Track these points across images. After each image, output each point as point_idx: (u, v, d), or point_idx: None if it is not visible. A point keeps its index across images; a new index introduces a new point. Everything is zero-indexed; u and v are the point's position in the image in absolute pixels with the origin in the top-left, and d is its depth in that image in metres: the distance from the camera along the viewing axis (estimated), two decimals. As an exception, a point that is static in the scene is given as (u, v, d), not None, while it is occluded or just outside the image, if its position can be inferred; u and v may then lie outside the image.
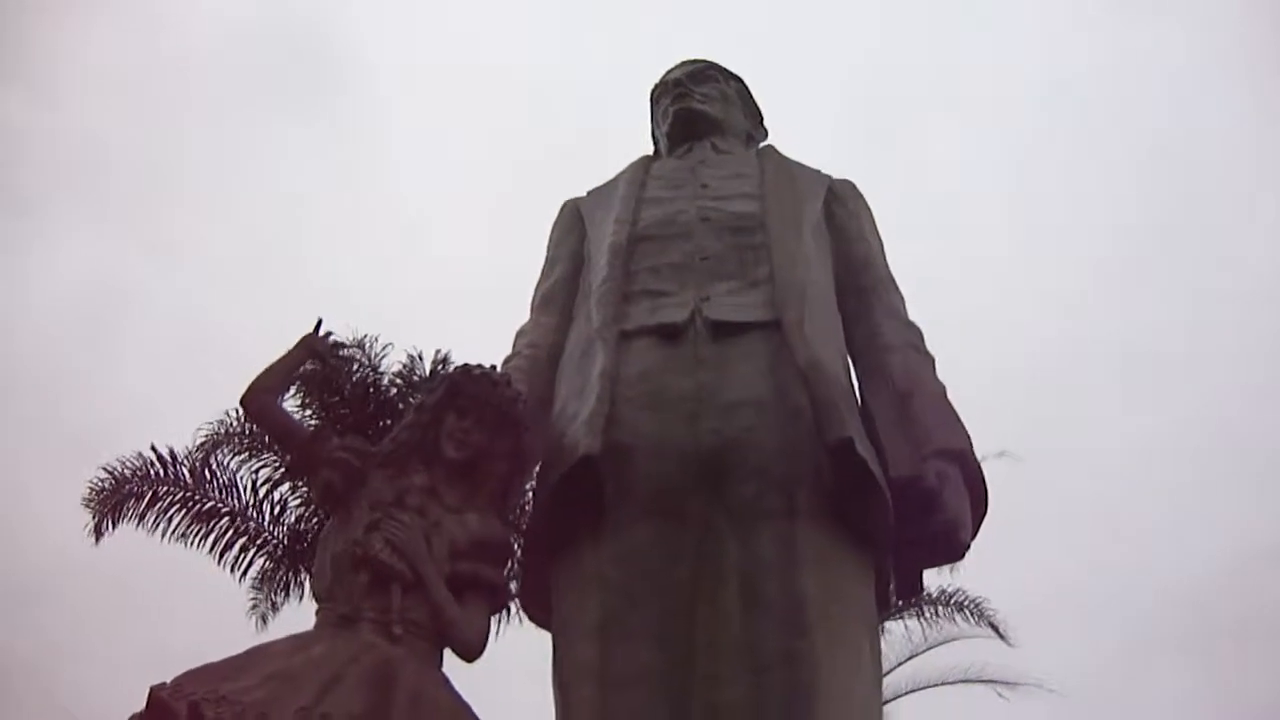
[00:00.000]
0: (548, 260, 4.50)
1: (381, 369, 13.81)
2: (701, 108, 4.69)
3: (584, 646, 3.24)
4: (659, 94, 4.93)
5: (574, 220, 4.51)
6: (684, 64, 4.99)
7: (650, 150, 4.90)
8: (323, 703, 2.73)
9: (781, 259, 3.81)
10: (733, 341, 3.59)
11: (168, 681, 2.91)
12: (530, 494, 4.33)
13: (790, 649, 3.04)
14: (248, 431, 13.57)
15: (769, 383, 3.48)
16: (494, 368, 3.79)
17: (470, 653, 3.37)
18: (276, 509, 14.23)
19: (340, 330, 14.14)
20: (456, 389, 3.61)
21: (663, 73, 5.03)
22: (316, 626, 3.26)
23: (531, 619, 3.86)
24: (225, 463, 13.94)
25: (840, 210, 4.31)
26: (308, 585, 14.74)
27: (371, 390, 13.55)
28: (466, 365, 3.72)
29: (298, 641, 3.14)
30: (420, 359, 13.92)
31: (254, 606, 14.57)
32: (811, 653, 3.04)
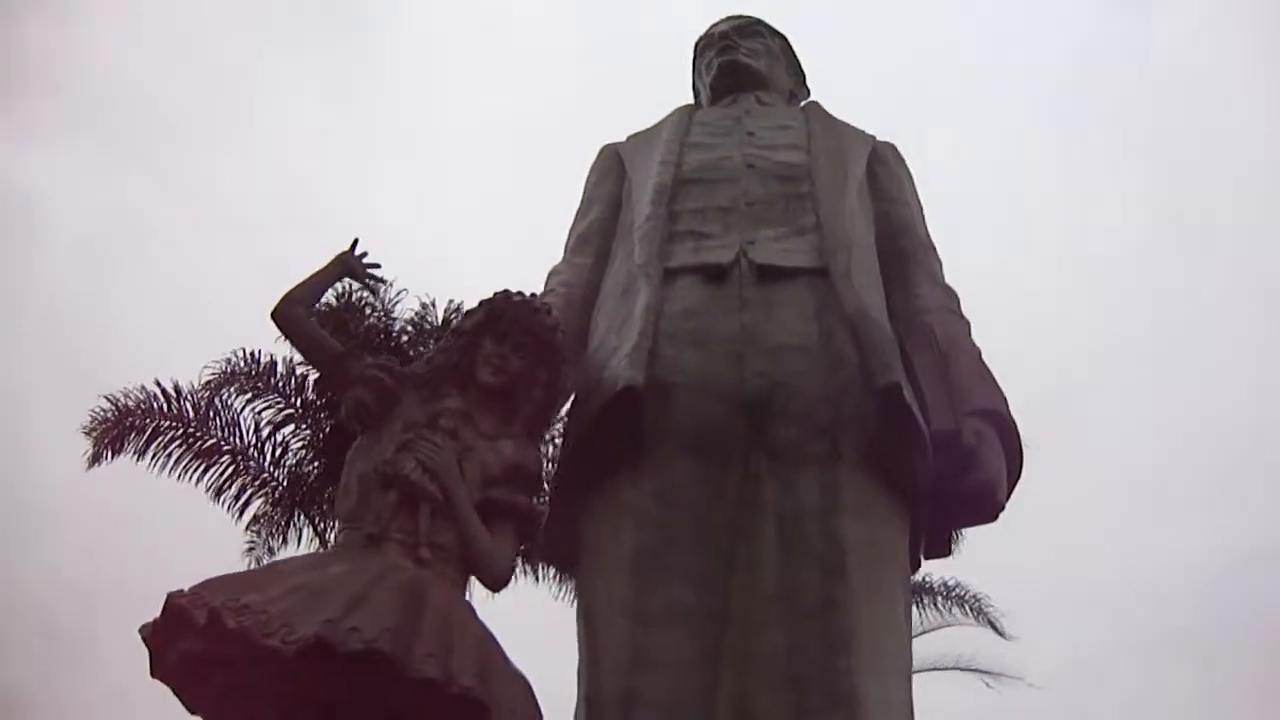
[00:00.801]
0: (584, 202, 4.48)
1: (394, 315, 13.76)
2: (747, 61, 4.71)
3: (617, 580, 3.18)
4: (704, 46, 4.93)
5: (613, 164, 4.48)
6: (730, 18, 4.99)
7: (686, 101, 4.86)
8: (350, 617, 2.65)
9: (828, 210, 3.79)
10: (778, 286, 3.55)
11: (184, 589, 2.85)
12: (560, 430, 4.26)
13: (829, 595, 3.02)
14: (254, 372, 13.52)
15: (814, 328, 3.44)
16: (534, 295, 3.70)
17: (497, 583, 3.29)
18: (278, 451, 14.21)
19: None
20: (496, 313, 3.51)
21: (708, 25, 5.01)
22: (341, 546, 3.17)
23: (547, 559, 3.81)
24: (230, 402, 13.91)
25: (883, 171, 4.28)
26: (305, 531, 14.78)
27: (383, 336, 13.46)
28: (507, 290, 3.63)
29: (320, 559, 3.08)
30: (434, 306, 13.88)
31: (250, 549, 14.56)
32: (850, 600, 3.02)
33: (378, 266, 3.93)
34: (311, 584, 2.79)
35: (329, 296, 14.24)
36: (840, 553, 3.09)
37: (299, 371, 13.67)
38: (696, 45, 5.03)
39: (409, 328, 14.03)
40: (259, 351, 13.56)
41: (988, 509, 3.48)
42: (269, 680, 2.72)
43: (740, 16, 4.97)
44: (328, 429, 13.58)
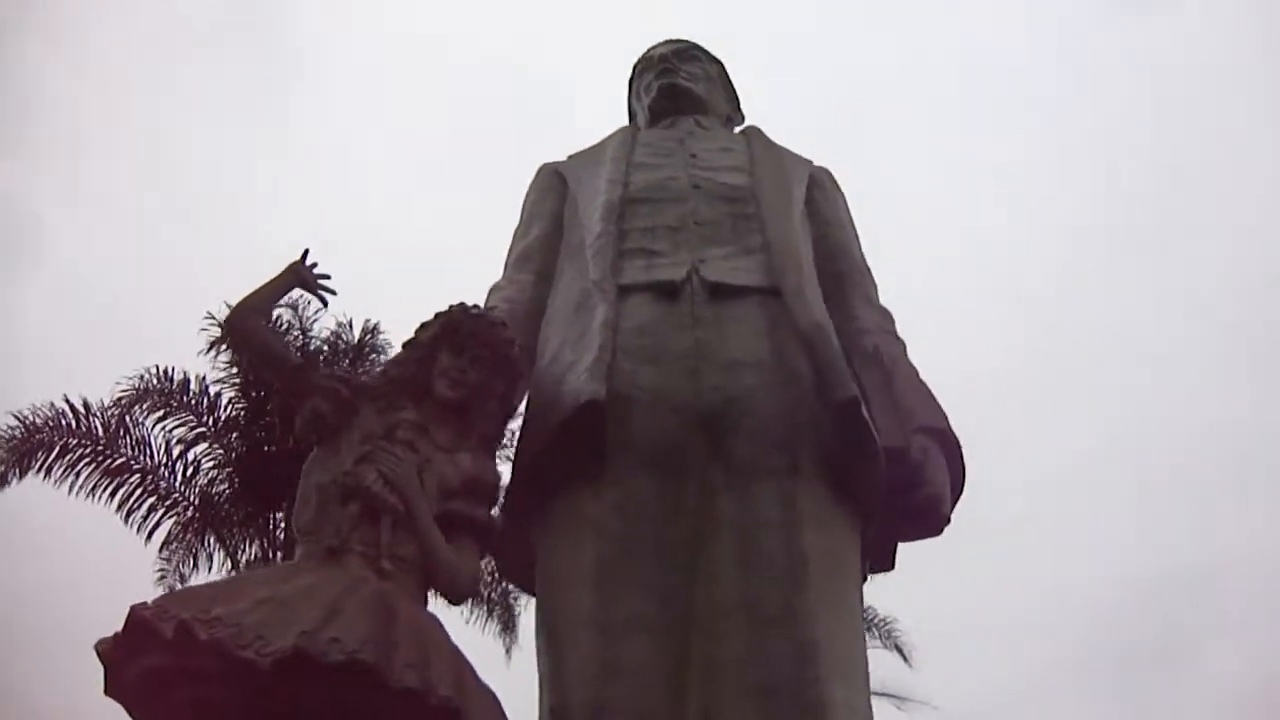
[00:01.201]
0: (524, 219, 4.50)
1: (312, 333, 13.56)
2: (687, 85, 4.78)
3: (579, 594, 3.20)
4: (642, 68, 5.00)
5: (553, 181, 4.53)
6: (669, 42, 5.08)
7: (615, 124, 4.92)
8: (328, 628, 2.63)
9: (775, 230, 3.89)
10: (730, 304, 3.63)
11: (148, 602, 2.80)
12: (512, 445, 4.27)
13: (793, 606, 3.07)
14: (167, 389, 13.21)
15: (766, 345, 3.52)
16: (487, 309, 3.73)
17: (460, 596, 3.29)
18: (189, 470, 13.86)
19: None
20: (453, 326, 3.51)
21: (646, 48, 5.09)
22: (301, 558, 3.14)
23: (502, 573, 3.81)
24: (140, 420, 13.53)
25: (820, 195, 4.39)
26: (217, 555, 14.40)
27: (300, 353, 13.27)
28: (463, 304, 3.65)
29: (282, 572, 3.05)
30: (350, 326, 13.70)
31: (161, 577, 14.14)
32: (814, 611, 3.08)
33: (328, 278, 3.89)
34: (279, 596, 2.75)
35: (206, 320, 14.05)
36: (802, 564, 3.15)
37: (212, 390, 13.43)
38: (635, 67, 5.09)
39: (324, 346, 13.87)
40: (173, 369, 13.27)
41: (934, 523, 3.60)
42: (239, 694, 2.66)
43: (679, 41, 5.06)
44: (241, 449, 13.33)
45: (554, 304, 3.97)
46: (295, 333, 13.48)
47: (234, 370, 13.19)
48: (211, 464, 13.81)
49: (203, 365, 13.73)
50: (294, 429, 3.51)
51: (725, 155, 4.34)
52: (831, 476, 3.36)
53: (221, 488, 13.86)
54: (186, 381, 13.40)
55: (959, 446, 3.68)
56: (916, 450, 3.50)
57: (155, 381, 13.15)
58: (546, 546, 3.47)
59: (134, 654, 2.72)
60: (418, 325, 3.73)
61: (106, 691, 2.84)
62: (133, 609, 2.72)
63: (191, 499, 13.79)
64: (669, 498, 3.28)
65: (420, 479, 3.26)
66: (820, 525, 3.26)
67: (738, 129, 4.85)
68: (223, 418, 13.63)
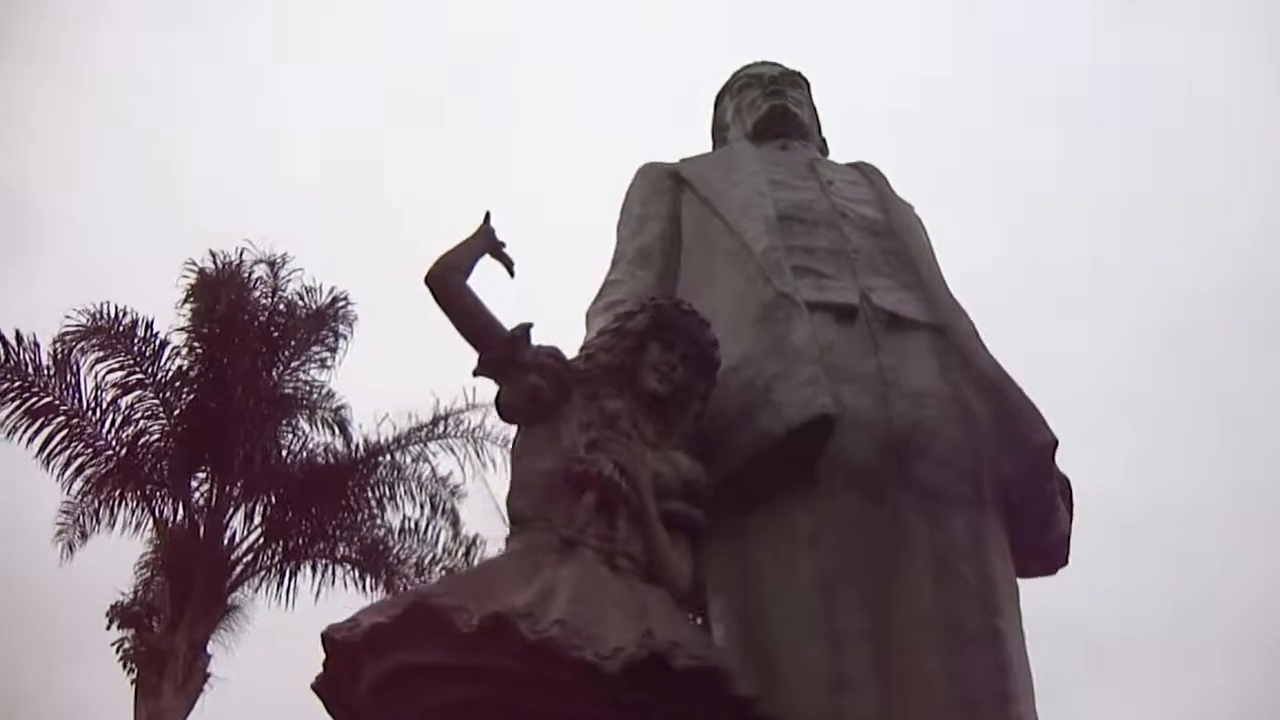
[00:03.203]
0: (635, 215, 4.50)
1: (283, 293, 13.01)
2: (795, 110, 4.95)
3: (799, 606, 3.18)
4: (743, 84, 5.12)
5: (667, 183, 4.57)
6: (770, 63, 5.22)
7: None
8: (663, 632, 2.47)
9: (926, 270, 4.05)
10: (903, 334, 3.72)
11: (447, 601, 2.53)
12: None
13: (992, 626, 3.22)
14: (115, 329, 12.49)
15: (942, 380, 3.63)
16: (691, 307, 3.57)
17: (679, 599, 3.14)
18: (120, 419, 13.11)
19: (233, 244, 13.42)
20: (664, 320, 3.40)
21: (746, 64, 5.24)
22: (531, 547, 2.93)
23: None
24: (74, 359, 12.73)
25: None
26: (122, 514, 13.60)
27: (266, 315, 12.72)
28: (671, 297, 3.51)
29: (527, 562, 2.82)
30: (320, 290, 13.20)
31: (60, 533, 13.40)
32: (1008, 632, 3.25)
33: (505, 245, 3.71)
34: (582, 594, 2.59)
35: (213, 264, 13.43)
36: (994, 588, 3.32)
37: (162, 338, 12.75)
38: (733, 81, 5.19)
39: (283, 309, 13.33)
40: (126, 309, 12.54)
41: (1057, 562, 3.81)
42: (505, 693, 2.48)
43: (779, 65, 5.20)
44: (183, 406, 12.71)
45: (720, 309, 3.85)
46: (266, 291, 12.91)
47: (202, 328, 12.56)
48: (146, 416, 13.08)
49: (149, 310, 13.06)
50: (501, 404, 3.30)
51: (855, 188, 4.45)
52: (1002, 510, 3.51)
53: (152, 439, 13.15)
54: (135, 324, 12.67)
55: (1071, 491, 3.85)
56: (1050, 494, 3.66)
57: (104, 321, 12.40)
58: (743, 558, 3.39)
59: (394, 648, 2.50)
60: (622, 313, 3.58)
61: (334, 695, 2.61)
62: (419, 598, 2.52)
63: (118, 450, 13.04)
64: (870, 515, 3.33)
65: None
66: (1002, 555, 3.44)
67: (843, 161, 4.90)
68: (171, 370, 12.95)
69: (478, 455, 14.21)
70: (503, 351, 3.24)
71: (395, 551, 14.43)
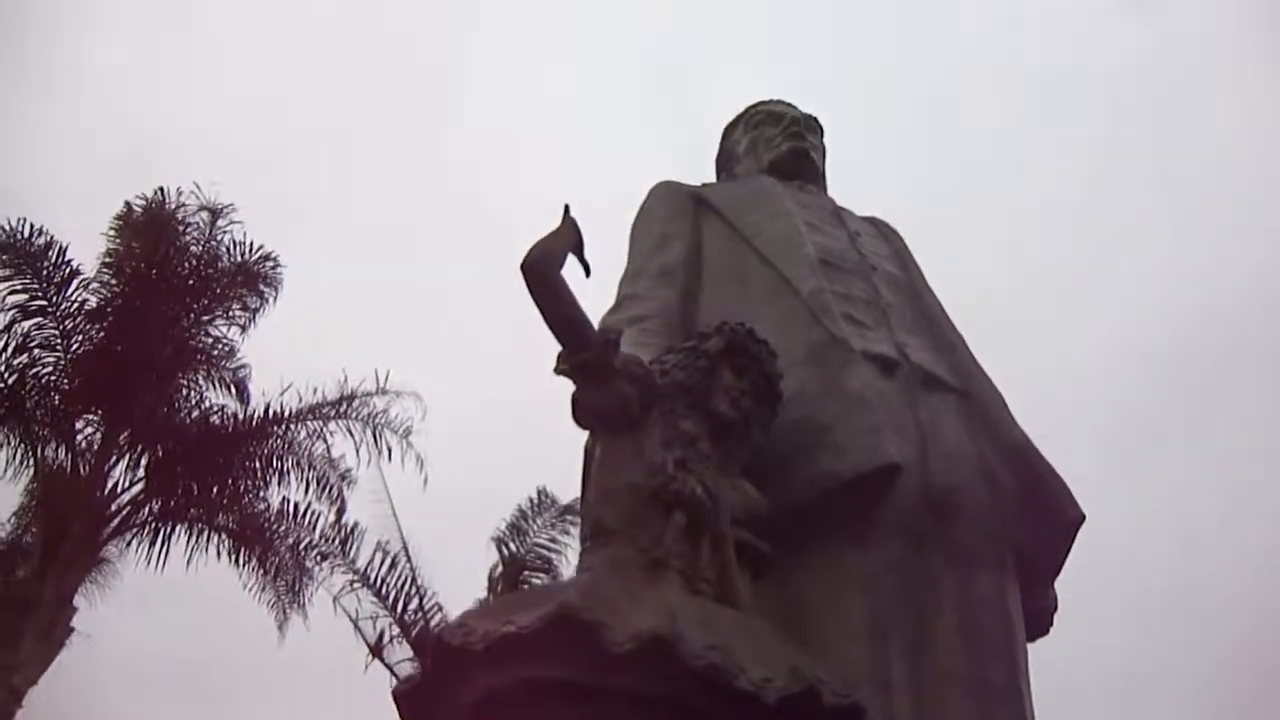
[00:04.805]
0: (656, 232, 4.50)
1: (218, 245, 12.41)
2: (814, 156, 5.08)
3: (853, 648, 3.20)
4: (761, 120, 5.20)
5: (687, 203, 4.60)
6: (789, 104, 5.30)
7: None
8: (800, 664, 2.37)
9: (950, 333, 4.17)
10: (936, 395, 3.84)
11: (594, 616, 2.40)
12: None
13: (1015, 685, 3.36)
14: (20, 244, 11.73)
15: (971, 445, 3.76)
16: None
17: None
18: (12, 345, 12.31)
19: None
20: (738, 345, 3.34)
21: (761, 100, 5.33)
22: (616, 562, 2.81)
23: None
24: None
25: None
26: (4, 456, 12.67)
27: (193, 263, 12.12)
28: (743, 325, 3.43)
29: (627, 579, 2.67)
30: (250, 248, 12.65)
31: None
32: (1027, 691, 3.41)
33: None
34: (702, 618, 2.48)
35: (149, 202, 12.76)
36: (1016, 648, 3.46)
37: (74, 266, 12.04)
38: (749, 115, 5.25)
39: (207, 258, 12.73)
40: (40, 228, 11.77)
41: (1040, 631, 3.94)
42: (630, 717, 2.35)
43: (795, 108, 5.27)
44: (88, 345, 12.00)
45: (781, 347, 3.82)
46: (199, 240, 12.30)
47: (125, 265, 11.87)
48: (41, 345, 12.32)
49: (63, 235, 12.33)
50: (582, 408, 3.15)
51: (877, 242, 4.56)
52: (1019, 576, 3.65)
53: (44, 371, 12.39)
54: (48, 247, 11.93)
55: None
56: (1061, 566, 3.89)
57: (17, 239, 11.64)
58: (791, 594, 3.35)
59: (523, 661, 2.35)
60: (696, 333, 3.49)
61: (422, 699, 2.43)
62: (565, 609, 2.36)
63: (6, 377, 12.24)
64: (911, 564, 3.42)
65: None
66: (1019, 616, 3.58)
67: (860, 213, 4.95)
68: (76, 302, 12.22)
69: (375, 441, 13.84)
70: (600, 354, 3.09)
71: (276, 529, 13.89)
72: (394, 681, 13.78)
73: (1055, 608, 3.96)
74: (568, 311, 3.12)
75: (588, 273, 3.51)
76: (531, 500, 15.02)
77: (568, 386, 3.22)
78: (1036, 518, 3.68)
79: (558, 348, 3.11)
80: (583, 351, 3.07)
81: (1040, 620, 3.90)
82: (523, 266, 3.12)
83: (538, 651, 2.31)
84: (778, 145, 5.00)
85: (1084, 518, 3.72)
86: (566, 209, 3.44)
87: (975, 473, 3.65)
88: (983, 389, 3.93)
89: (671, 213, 4.55)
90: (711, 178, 5.38)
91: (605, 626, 2.30)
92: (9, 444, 12.20)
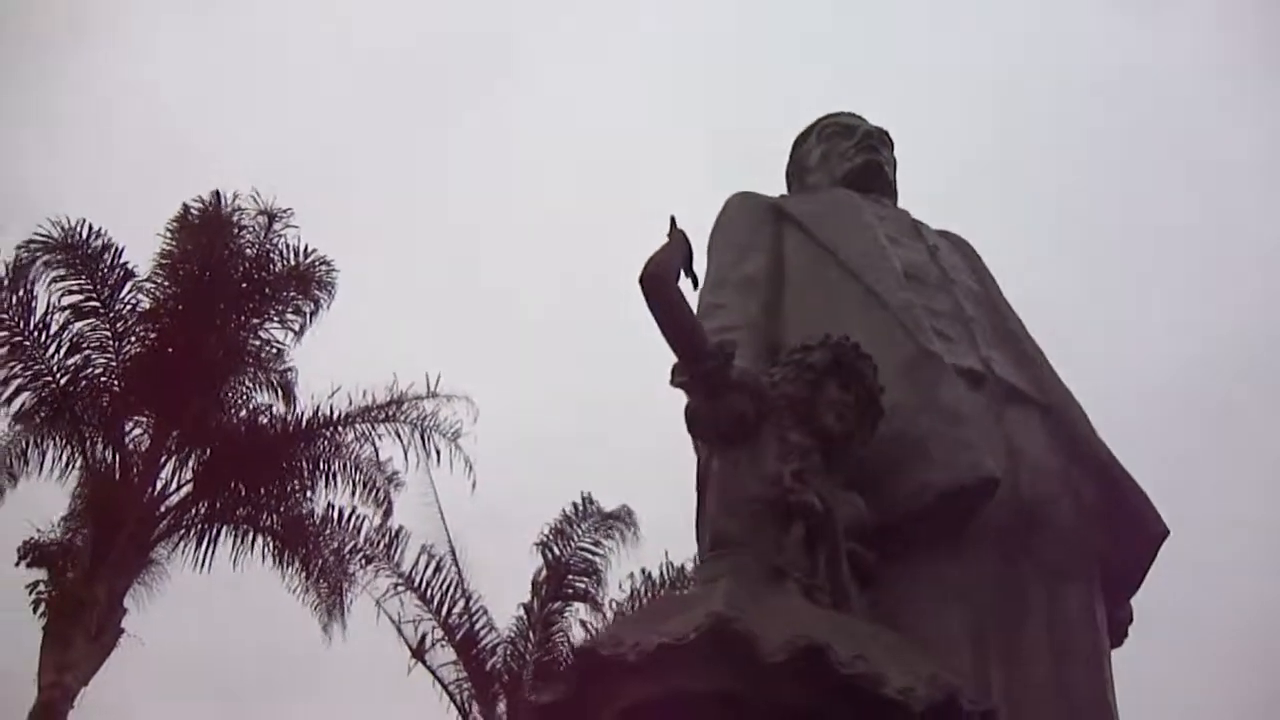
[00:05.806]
0: (736, 243, 4.48)
1: (274, 248, 12.48)
2: (888, 169, 5.06)
3: (951, 654, 3.15)
4: (834, 132, 5.16)
5: (768, 215, 4.59)
6: (857, 116, 5.27)
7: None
8: (942, 676, 2.34)
9: (1031, 348, 4.19)
10: (1020, 408, 3.87)
11: (749, 627, 2.37)
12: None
13: (1101, 698, 3.41)
14: (74, 243, 11.81)
15: (1055, 460, 3.79)
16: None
17: None
18: (65, 347, 12.39)
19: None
20: (844, 359, 3.33)
21: (833, 112, 5.29)
22: (738, 571, 2.77)
23: None
24: (33, 273, 11.99)
25: None
26: (52, 456, 12.73)
27: (249, 266, 12.17)
28: (850, 339, 3.41)
29: (750, 589, 2.64)
30: (304, 251, 12.69)
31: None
32: (1114, 705, 3.46)
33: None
34: (834, 627, 2.45)
35: (207, 206, 12.82)
36: (1103, 660, 3.54)
37: (129, 268, 12.11)
38: (821, 126, 5.22)
39: (261, 261, 12.81)
40: (96, 227, 11.81)
41: (1117, 642, 3.91)
42: None
43: (866, 121, 5.23)
44: (141, 347, 12.06)
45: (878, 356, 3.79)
46: (255, 244, 12.35)
47: (179, 268, 11.93)
48: (95, 346, 12.40)
49: (118, 236, 12.40)
50: (699, 420, 3.15)
51: (954, 256, 4.56)
52: (1101, 588, 3.69)
53: (96, 373, 12.46)
54: (104, 249, 12.01)
55: None
56: (1142, 580, 3.94)
57: (75, 239, 11.73)
58: (887, 604, 3.29)
59: (677, 672, 2.31)
60: (800, 345, 3.44)
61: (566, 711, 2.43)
62: (721, 620, 2.34)
63: (58, 377, 12.32)
64: (1004, 576, 3.46)
65: None
66: (1104, 629, 3.64)
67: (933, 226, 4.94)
68: (130, 304, 12.30)
69: (424, 445, 13.82)
70: (718, 368, 3.12)
71: (323, 533, 13.90)
72: (443, 682, 13.79)
73: (1131, 620, 3.97)
74: (685, 323, 3.20)
75: (695, 284, 3.57)
76: (575, 505, 14.98)
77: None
78: (1120, 531, 3.73)
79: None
80: (700, 364, 3.07)
81: (1116, 632, 3.89)
82: (641, 280, 3.18)
83: (691, 662, 2.29)
84: (851, 158, 4.99)
85: (1168, 532, 3.76)
86: (673, 221, 3.47)
87: (1061, 486, 3.70)
88: (1065, 403, 3.96)
89: (755, 223, 4.56)
90: (756, 187, 5.31)
91: (758, 637, 2.27)
92: (59, 445, 12.25)
